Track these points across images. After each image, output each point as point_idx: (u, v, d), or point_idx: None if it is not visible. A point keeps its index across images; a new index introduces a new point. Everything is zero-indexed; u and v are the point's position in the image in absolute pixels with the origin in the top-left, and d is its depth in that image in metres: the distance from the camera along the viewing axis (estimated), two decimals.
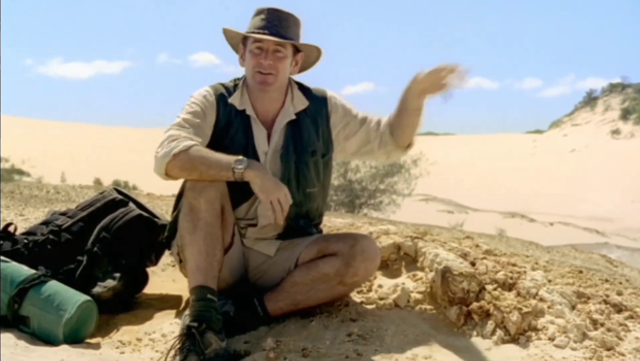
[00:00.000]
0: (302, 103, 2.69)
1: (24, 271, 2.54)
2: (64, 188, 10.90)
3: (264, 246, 2.70)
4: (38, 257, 2.71)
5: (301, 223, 2.67)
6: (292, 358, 2.25)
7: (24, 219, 5.04)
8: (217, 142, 2.58)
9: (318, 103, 2.72)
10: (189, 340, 2.25)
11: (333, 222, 3.89)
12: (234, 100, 2.64)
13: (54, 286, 2.50)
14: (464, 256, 2.71)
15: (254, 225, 2.69)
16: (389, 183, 18.87)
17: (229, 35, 2.68)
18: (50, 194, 9.04)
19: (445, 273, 2.52)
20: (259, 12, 2.62)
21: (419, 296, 2.60)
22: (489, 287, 2.53)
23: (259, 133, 2.63)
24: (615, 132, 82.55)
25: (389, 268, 2.87)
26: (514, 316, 2.37)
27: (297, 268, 2.60)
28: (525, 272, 2.66)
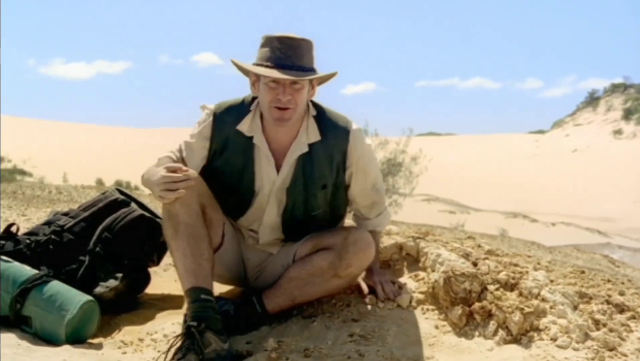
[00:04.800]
0: (315, 135, 2.55)
1: (26, 271, 2.54)
2: (66, 188, 10.92)
3: (267, 246, 2.72)
4: (40, 257, 2.71)
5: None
6: (294, 359, 2.24)
7: (27, 219, 5.05)
8: (211, 163, 2.60)
9: (337, 135, 2.57)
10: (188, 339, 2.25)
11: None
12: (242, 126, 2.55)
13: (56, 286, 2.50)
14: (466, 256, 2.71)
15: (257, 239, 2.72)
16: (390, 182, 18.85)
17: (238, 67, 2.56)
18: (52, 194, 9.06)
19: (448, 273, 2.51)
20: (268, 42, 2.47)
21: (421, 296, 2.60)
22: (491, 287, 2.52)
23: (266, 162, 2.56)
24: (618, 132, 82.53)
25: (391, 268, 2.87)
26: (516, 317, 2.36)
27: (293, 264, 2.60)
28: (527, 272, 2.65)
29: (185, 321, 2.34)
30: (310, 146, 2.54)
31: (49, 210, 5.81)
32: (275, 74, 2.39)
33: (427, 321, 2.49)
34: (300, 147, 2.54)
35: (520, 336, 2.35)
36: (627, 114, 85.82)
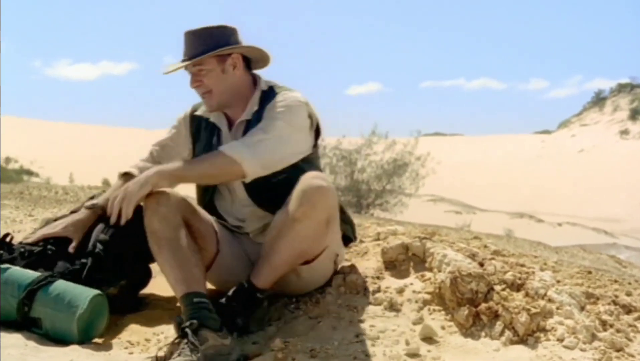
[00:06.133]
0: (256, 105, 2.69)
1: (30, 274, 2.54)
2: (72, 188, 10.95)
3: (259, 236, 2.74)
4: (36, 264, 2.70)
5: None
6: (301, 359, 2.25)
7: (34, 219, 5.07)
8: (195, 152, 2.81)
9: (268, 103, 2.67)
10: (183, 338, 2.23)
11: None
12: (201, 111, 2.79)
13: (62, 285, 2.50)
14: (473, 256, 2.71)
15: (247, 233, 2.76)
16: (395, 183, 18.85)
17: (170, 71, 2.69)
18: (59, 194, 9.08)
19: (454, 274, 2.51)
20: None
21: (427, 296, 2.60)
22: (498, 288, 2.52)
23: (227, 135, 2.73)
24: (624, 132, 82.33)
25: (396, 268, 2.86)
26: (523, 317, 2.36)
27: None
28: (533, 273, 2.65)
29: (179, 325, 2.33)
30: (253, 114, 2.67)
31: (56, 210, 5.83)
32: (167, 67, 2.66)
33: (434, 321, 2.49)
34: (244, 116, 2.70)
35: (527, 337, 2.34)
36: (634, 114, 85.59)
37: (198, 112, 2.81)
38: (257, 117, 2.64)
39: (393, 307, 2.59)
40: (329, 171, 18.40)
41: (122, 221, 2.41)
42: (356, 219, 4.29)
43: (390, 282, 2.77)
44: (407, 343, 2.35)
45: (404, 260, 2.88)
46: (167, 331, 2.57)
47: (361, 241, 3.19)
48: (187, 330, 2.24)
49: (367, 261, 2.96)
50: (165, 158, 2.83)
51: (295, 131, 2.59)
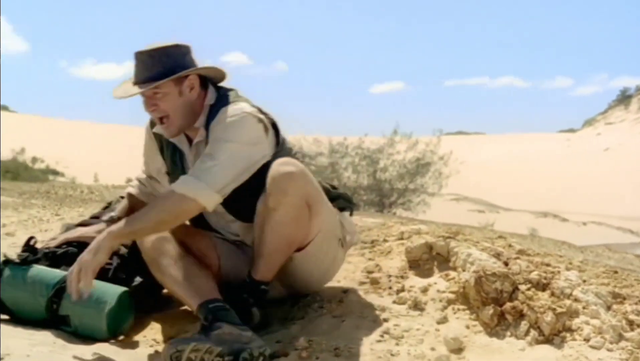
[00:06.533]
0: (202, 124, 2.56)
1: (57, 273, 2.58)
2: (97, 187, 11.05)
3: (248, 238, 2.69)
4: (61, 263, 2.73)
5: None
6: (325, 358, 2.25)
7: (60, 218, 5.13)
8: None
9: (212, 121, 2.52)
10: (202, 333, 2.24)
11: (365, 222, 3.90)
12: (157, 127, 2.62)
13: None
14: (497, 255, 2.69)
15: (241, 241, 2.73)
16: (418, 182, 18.78)
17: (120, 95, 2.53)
18: (84, 194, 9.17)
19: (479, 273, 2.50)
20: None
21: (451, 296, 2.59)
22: (523, 287, 2.51)
23: (189, 156, 2.63)
24: None
25: (420, 267, 2.86)
26: (548, 317, 2.35)
27: None
28: (559, 272, 2.63)
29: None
30: (205, 133, 2.54)
31: (82, 209, 5.90)
32: (116, 92, 2.52)
33: (458, 321, 2.48)
34: (198, 138, 2.57)
35: (553, 337, 2.33)
36: None
37: (157, 131, 2.65)
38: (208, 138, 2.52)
39: (417, 306, 2.59)
40: (351, 171, 18.39)
41: (85, 295, 2.25)
42: (379, 219, 4.29)
43: (414, 281, 2.76)
44: (431, 343, 2.35)
45: (428, 259, 2.87)
46: (193, 330, 2.59)
47: (385, 240, 3.18)
48: (205, 324, 2.26)
49: (390, 260, 2.96)
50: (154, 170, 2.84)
51: (245, 146, 2.43)
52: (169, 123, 2.52)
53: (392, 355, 2.27)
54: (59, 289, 2.50)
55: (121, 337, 2.57)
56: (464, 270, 2.64)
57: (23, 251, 2.73)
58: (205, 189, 2.35)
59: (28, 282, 2.55)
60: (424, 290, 2.66)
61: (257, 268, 2.52)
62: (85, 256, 2.26)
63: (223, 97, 2.56)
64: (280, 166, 2.42)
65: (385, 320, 2.50)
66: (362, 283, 2.80)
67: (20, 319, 2.54)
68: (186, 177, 2.38)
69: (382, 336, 2.39)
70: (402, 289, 2.71)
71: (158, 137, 2.70)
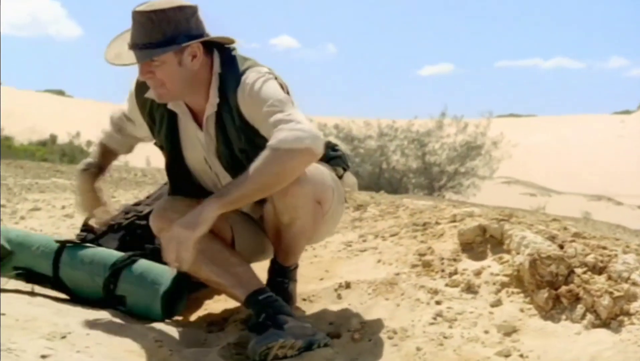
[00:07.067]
0: (216, 96, 2.34)
1: (114, 253, 2.63)
2: (150, 170, 11.25)
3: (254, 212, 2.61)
4: (123, 240, 2.78)
5: None
6: (377, 340, 2.26)
7: (116, 200, 5.22)
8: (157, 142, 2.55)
9: (232, 94, 2.31)
10: (261, 330, 2.21)
11: (415, 204, 3.87)
12: (151, 95, 2.37)
13: (145, 263, 2.57)
14: (552, 238, 2.65)
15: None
16: (468, 165, 18.58)
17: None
18: (137, 177, 9.35)
19: (533, 256, 2.47)
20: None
21: (505, 279, 2.56)
22: (579, 270, 2.47)
23: (192, 127, 2.43)
24: None
25: (474, 250, 2.83)
26: (605, 301, 2.30)
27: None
28: (616, 255, 2.57)
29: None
30: (219, 106, 2.34)
31: (136, 192, 6.01)
32: (108, 54, 2.29)
33: (512, 304, 2.46)
34: (210, 109, 2.35)
35: (610, 321, 2.28)
36: None
37: (148, 95, 2.39)
38: (227, 109, 2.32)
39: (470, 289, 2.57)
40: (400, 154, 18.29)
41: (185, 268, 2.14)
42: (429, 201, 4.26)
43: (467, 264, 2.74)
44: (485, 326, 2.34)
45: (481, 242, 2.85)
46: (244, 312, 2.62)
47: (437, 223, 3.17)
48: (261, 321, 2.22)
49: (443, 243, 2.94)
50: (129, 129, 2.66)
51: (286, 95, 2.27)
52: (162, 92, 2.29)
53: (445, 337, 2.26)
54: (116, 270, 2.56)
55: (176, 318, 2.61)
56: (518, 253, 2.60)
57: (81, 231, 2.80)
58: (307, 133, 2.12)
59: (86, 262, 2.61)
60: (477, 273, 2.64)
61: (282, 256, 2.50)
62: (182, 228, 2.08)
63: (231, 63, 2.34)
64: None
65: (438, 303, 2.49)
66: (414, 266, 2.79)
67: (79, 298, 2.61)
68: (278, 133, 2.12)
69: (434, 318, 2.38)
70: (455, 272, 2.69)
71: (148, 105, 2.46)
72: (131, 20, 2.24)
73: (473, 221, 2.90)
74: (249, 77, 2.27)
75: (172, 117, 2.44)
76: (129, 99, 2.56)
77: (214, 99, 2.33)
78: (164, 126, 2.46)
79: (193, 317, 2.75)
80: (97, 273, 2.58)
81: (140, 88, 2.44)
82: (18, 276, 2.67)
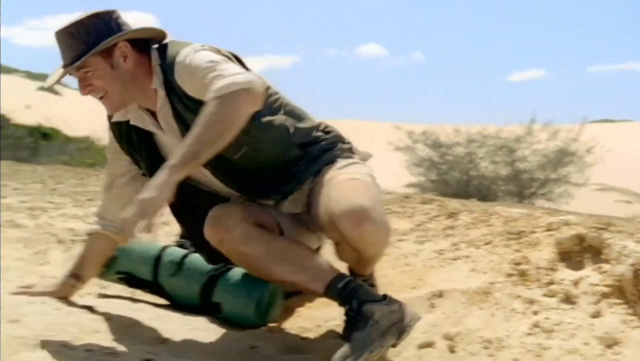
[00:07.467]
0: (162, 86, 2.28)
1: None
2: None
3: (290, 207, 2.45)
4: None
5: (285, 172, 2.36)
6: (473, 350, 2.23)
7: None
8: (142, 165, 2.46)
9: (172, 77, 2.24)
10: (350, 324, 2.11)
11: (509, 212, 3.80)
12: (116, 116, 2.38)
13: (239, 271, 2.62)
14: None
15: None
16: (560, 172, 18.06)
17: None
18: None
19: (636, 266, 2.39)
20: None
21: (605, 290, 2.48)
22: None
23: (161, 133, 2.36)
24: None
25: (571, 259, 2.75)
26: None
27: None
28: None
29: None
30: (168, 96, 2.27)
31: None
32: (48, 80, 2.29)
33: (613, 315, 2.38)
34: (160, 101, 2.29)
35: None
36: None
37: (114, 119, 2.40)
38: (175, 96, 2.25)
39: (568, 300, 2.50)
40: (489, 161, 17.96)
41: (157, 232, 1.97)
42: (523, 209, 4.17)
43: (565, 274, 2.67)
44: (584, 338, 2.27)
45: (579, 251, 2.77)
46: (339, 318, 2.63)
47: (532, 232, 3.10)
48: (350, 313, 2.11)
49: (539, 251, 2.87)
50: (126, 186, 2.53)
51: (224, 57, 2.21)
52: (107, 99, 2.27)
53: (543, 348, 2.21)
54: (212, 277, 2.61)
55: (271, 324, 2.65)
56: (618, 263, 2.52)
57: (181, 237, 2.88)
58: (241, 77, 2.07)
59: (184, 268, 2.68)
60: (576, 283, 2.57)
61: (361, 269, 2.41)
62: (145, 195, 1.95)
63: (166, 52, 2.29)
64: (343, 210, 2.12)
65: (535, 313, 2.44)
66: (509, 275, 2.74)
67: (177, 304, 2.68)
68: (215, 84, 2.07)
69: (532, 329, 2.33)
70: (552, 282, 2.62)
71: (118, 129, 2.43)
72: (57, 44, 2.25)
73: (570, 230, 2.82)
74: (180, 56, 2.22)
75: (149, 136, 2.39)
76: (109, 143, 2.52)
77: (160, 91, 2.28)
78: (142, 146, 2.41)
79: (287, 324, 2.78)
80: (194, 279, 2.65)
81: (112, 123, 2.44)
82: (120, 281, 2.78)
